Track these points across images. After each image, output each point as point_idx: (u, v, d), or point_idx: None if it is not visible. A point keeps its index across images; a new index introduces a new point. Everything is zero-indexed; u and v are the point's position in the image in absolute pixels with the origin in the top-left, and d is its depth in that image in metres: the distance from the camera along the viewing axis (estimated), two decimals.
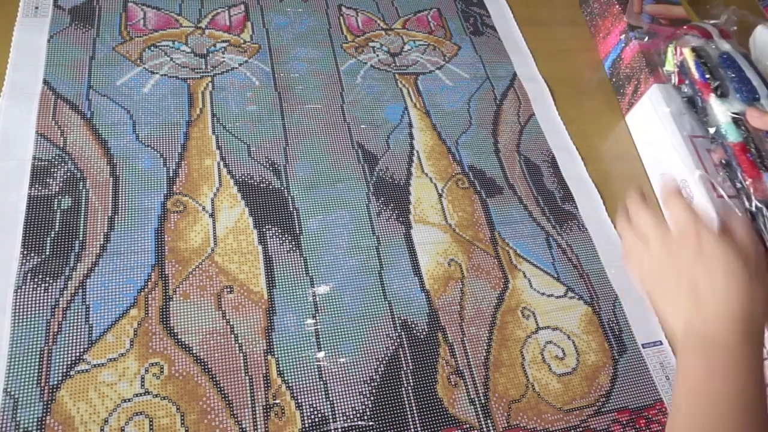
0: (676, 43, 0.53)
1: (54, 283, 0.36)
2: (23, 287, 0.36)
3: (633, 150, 0.55)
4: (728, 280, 0.32)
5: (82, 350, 0.34)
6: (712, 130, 0.49)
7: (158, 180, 0.42)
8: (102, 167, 0.42)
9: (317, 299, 0.40)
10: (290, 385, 0.36)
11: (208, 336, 0.37)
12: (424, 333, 0.40)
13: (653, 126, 0.52)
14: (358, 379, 0.37)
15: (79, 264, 0.37)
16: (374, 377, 0.37)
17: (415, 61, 0.56)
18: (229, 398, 0.35)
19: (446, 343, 0.40)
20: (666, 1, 0.60)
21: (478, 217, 0.46)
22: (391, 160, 0.48)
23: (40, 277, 0.36)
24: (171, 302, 0.37)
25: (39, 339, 0.34)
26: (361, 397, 0.36)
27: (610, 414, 0.39)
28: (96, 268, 0.37)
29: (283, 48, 0.53)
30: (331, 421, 0.35)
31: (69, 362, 0.34)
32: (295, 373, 0.36)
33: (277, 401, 0.35)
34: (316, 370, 0.37)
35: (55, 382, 0.33)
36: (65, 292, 0.36)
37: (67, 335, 0.35)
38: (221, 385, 0.35)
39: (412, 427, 0.36)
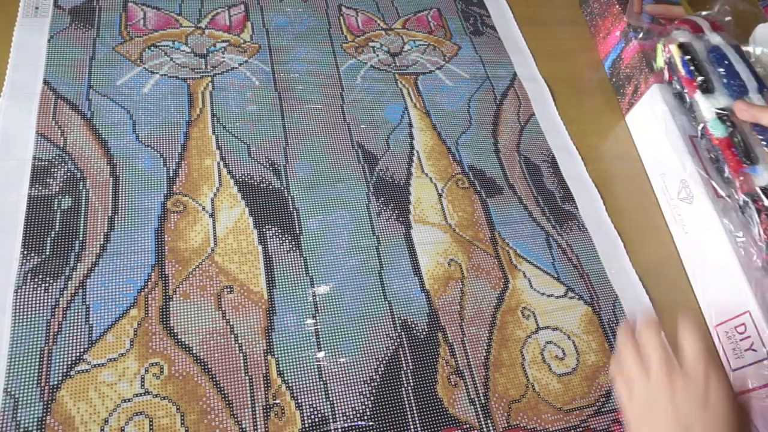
0: (664, 39, 0.53)
1: (54, 283, 0.36)
2: (23, 287, 0.36)
3: (633, 150, 0.55)
4: None
5: (82, 350, 0.34)
6: (699, 127, 0.50)
7: (158, 180, 0.42)
8: (102, 167, 0.42)
9: (317, 299, 0.40)
10: (290, 385, 0.36)
11: (208, 336, 0.37)
12: (424, 333, 0.40)
13: (653, 126, 0.52)
14: (358, 379, 0.37)
15: (79, 264, 0.37)
16: (374, 377, 0.37)
17: (415, 61, 0.56)
18: (229, 398, 0.35)
19: (446, 343, 0.40)
20: (666, 1, 0.60)
21: (478, 217, 0.46)
22: (391, 160, 0.48)
23: (40, 277, 0.36)
24: (171, 302, 0.37)
25: (39, 339, 0.34)
26: (361, 397, 0.36)
27: (610, 414, 0.39)
28: (96, 268, 0.37)
29: (283, 48, 0.53)
30: (331, 421, 0.35)
31: (69, 362, 0.34)
32: (295, 373, 0.36)
33: (277, 401, 0.35)
34: (316, 370, 0.37)
35: (55, 382, 0.33)
36: (65, 292, 0.36)
37: (67, 335, 0.35)
38: (221, 385, 0.35)
39: (412, 427, 0.36)
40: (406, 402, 0.37)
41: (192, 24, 0.52)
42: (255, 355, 0.37)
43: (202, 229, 0.41)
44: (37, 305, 0.35)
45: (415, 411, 0.37)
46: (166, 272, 0.38)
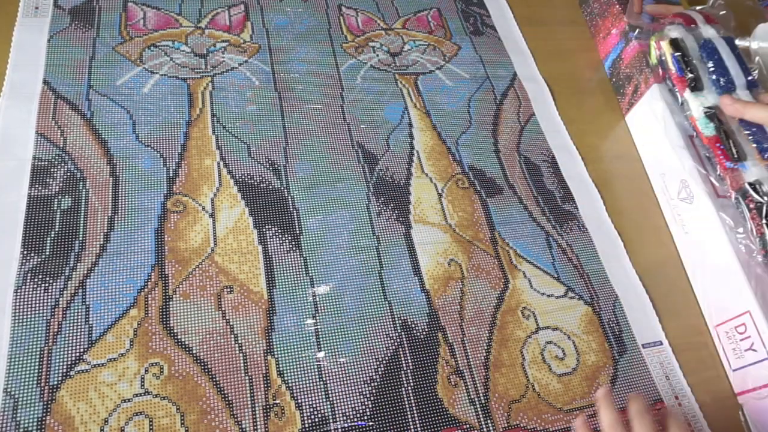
0: (657, 36, 0.53)
1: (54, 283, 0.36)
2: (23, 287, 0.36)
3: (633, 150, 0.55)
4: None
5: (82, 350, 0.34)
6: (690, 126, 0.50)
7: (158, 180, 0.42)
8: (102, 167, 0.42)
9: (317, 299, 0.40)
10: (290, 385, 0.36)
11: (208, 336, 0.37)
12: (424, 333, 0.40)
13: (653, 126, 0.52)
14: (358, 379, 0.37)
15: (79, 264, 0.37)
16: (374, 377, 0.37)
17: (415, 61, 0.56)
18: (229, 398, 0.35)
19: (446, 343, 0.40)
20: (666, 1, 0.60)
21: (478, 217, 0.46)
22: (391, 160, 0.48)
23: (40, 277, 0.36)
24: (171, 302, 0.37)
25: (39, 339, 0.34)
26: (361, 397, 0.36)
27: None
28: (96, 268, 0.37)
29: (283, 48, 0.53)
30: (331, 421, 0.35)
31: (69, 362, 0.34)
32: (295, 373, 0.36)
33: (277, 401, 0.35)
34: (316, 370, 0.37)
35: (55, 382, 0.33)
36: (65, 292, 0.36)
37: (67, 335, 0.35)
38: (221, 385, 0.35)
39: (412, 427, 0.36)
40: (406, 402, 0.37)
41: (192, 24, 0.52)
42: (255, 355, 0.37)
43: (202, 229, 0.41)
44: (37, 305, 0.35)
45: (415, 411, 0.37)
46: (166, 272, 0.38)
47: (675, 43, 0.51)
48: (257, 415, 0.35)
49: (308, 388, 0.36)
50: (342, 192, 0.45)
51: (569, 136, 0.54)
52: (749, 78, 0.49)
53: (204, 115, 0.46)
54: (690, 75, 0.49)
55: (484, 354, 0.40)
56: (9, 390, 0.32)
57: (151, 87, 0.47)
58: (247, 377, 0.36)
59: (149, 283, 0.38)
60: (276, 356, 0.37)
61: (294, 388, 0.36)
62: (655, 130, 0.52)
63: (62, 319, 0.35)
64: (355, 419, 0.36)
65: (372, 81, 0.53)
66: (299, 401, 0.35)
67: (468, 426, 0.37)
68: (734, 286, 0.43)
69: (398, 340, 0.39)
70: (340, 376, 0.37)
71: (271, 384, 0.36)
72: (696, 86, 0.49)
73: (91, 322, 0.35)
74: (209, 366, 0.36)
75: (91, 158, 0.42)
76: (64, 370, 0.34)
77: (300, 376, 0.36)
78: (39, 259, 0.37)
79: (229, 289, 0.39)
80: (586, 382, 0.40)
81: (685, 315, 0.46)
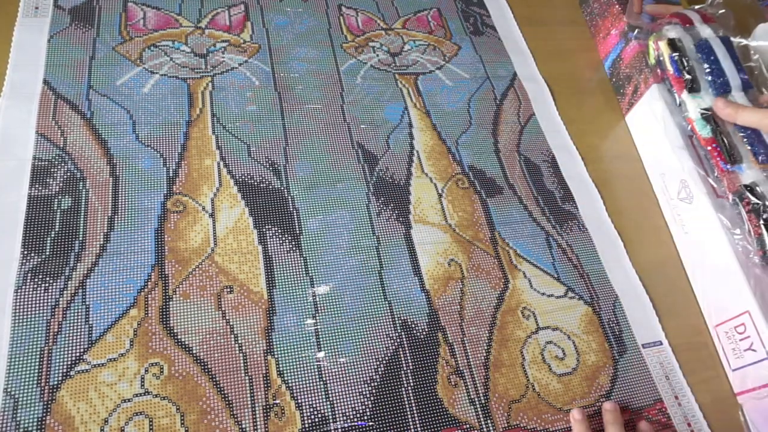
0: (655, 36, 0.53)
1: (54, 283, 0.36)
2: (23, 287, 0.36)
3: (633, 150, 0.55)
4: None
5: (82, 350, 0.34)
6: (688, 127, 0.50)
7: (158, 180, 0.42)
8: (102, 167, 0.42)
9: (317, 299, 0.40)
10: (290, 385, 0.36)
11: (208, 336, 0.37)
12: (424, 333, 0.40)
13: (653, 126, 0.52)
14: (358, 379, 0.37)
15: (79, 264, 0.37)
16: (374, 377, 0.37)
17: (415, 61, 0.56)
18: (229, 398, 0.35)
19: (446, 343, 0.40)
20: (666, 1, 0.60)
21: (478, 217, 0.46)
22: (391, 160, 0.48)
23: (40, 277, 0.36)
24: (171, 302, 0.37)
25: (39, 339, 0.34)
26: (361, 397, 0.36)
27: None
28: (96, 268, 0.37)
29: (283, 48, 0.53)
30: (331, 421, 0.35)
31: (69, 362, 0.34)
32: (295, 373, 0.36)
33: (277, 401, 0.35)
34: (316, 370, 0.37)
35: (55, 382, 0.33)
36: (65, 292, 0.36)
37: (67, 335, 0.35)
38: (221, 385, 0.35)
39: (412, 427, 0.36)
40: (406, 402, 0.37)
41: (192, 24, 0.52)
42: (255, 355, 0.37)
43: (202, 229, 0.41)
44: (37, 305, 0.35)
45: (415, 411, 0.37)
46: (166, 272, 0.38)
47: (672, 44, 0.51)
48: (257, 415, 0.35)
49: (308, 388, 0.36)
50: (342, 192, 0.45)
51: (569, 136, 0.54)
52: (746, 82, 0.49)
53: (204, 115, 0.46)
54: (687, 76, 0.49)
55: (484, 354, 0.40)
56: (9, 390, 0.32)
57: (151, 87, 0.47)
58: (247, 377, 0.36)
59: (149, 283, 0.38)
60: (276, 356, 0.37)
61: (294, 388, 0.36)
62: (655, 130, 0.52)
63: (62, 319, 0.35)
64: (355, 419, 0.36)
65: (372, 81, 0.53)
66: (299, 401, 0.35)
67: (468, 426, 0.37)
68: (734, 286, 0.43)
69: (398, 340, 0.39)
70: (340, 376, 0.37)
71: (271, 384, 0.36)
72: (693, 87, 0.49)
73: (91, 322, 0.35)
74: (209, 366, 0.36)
75: (91, 158, 0.42)
76: (64, 370, 0.34)
77: (300, 376, 0.36)
78: (39, 259, 0.37)
79: (229, 289, 0.39)
80: (586, 382, 0.40)
81: (685, 315, 0.46)
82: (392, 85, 0.53)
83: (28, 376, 0.33)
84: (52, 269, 0.37)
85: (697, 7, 0.55)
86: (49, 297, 0.36)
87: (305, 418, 0.35)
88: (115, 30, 0.49)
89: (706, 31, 0.52)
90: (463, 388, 0.38)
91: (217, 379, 0.35)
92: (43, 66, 0.45)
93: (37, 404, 0.32)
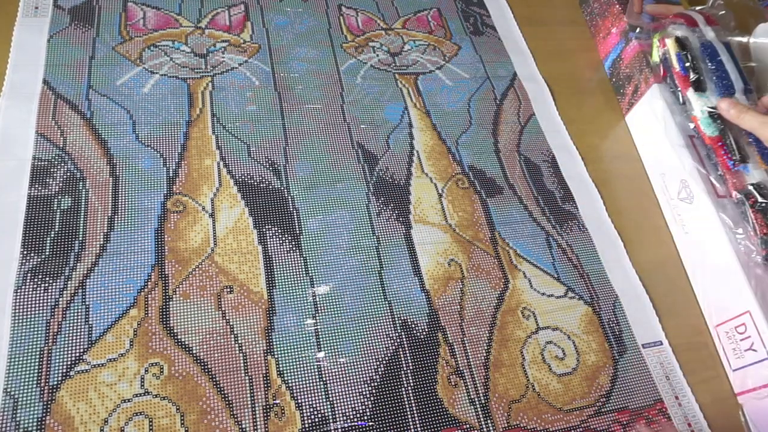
0: (660, 33, 0.53)
1: (54, 283, 0.36)
2: (23, 287, 0.36)
3: (633, 150, 0.55)
4: None
5: (81, 350, 0.34)
6: (692, 126, 0.50)
7: (158, 180, 0.42)
8: (102, 167, 0.42)
9: (317, 299, 0.40)
10: (290, 385, 0.36)
11: (208, 336, 0.37)
12: (424, 333, 0.40)
13: (653, 126, 0.52)
14: (358, 379, 0.37)
15: (79, 264, 0.37)
16: (374, 377, 0.37)
17: (415, 61, 0.56)
18: (229, 398, 0.35)
19: (446, 343, 0.40)
20: (666, 1, 0.60)
21: (478, 217, 0.46)
22: (391, 160, 0.48)
23: (40, 277, 0.36)
24: (171, 302, 0.37)
25: (39, 339, 0.34)
26: (361, 397, 0.36)
27: (610, 414, 0.39)
28: (96, 268, 0.37)
29: (283, 48, 0.53)
30: (331, 421, 0.35)
31: (69, 362, 0.34)
32: (295, 373, 0.36)
33: (277, 401, 0.35)
34: (316, 370, 0.37)
35: (55, 383, 0.33)
36: (65, 292, 0.36)
37: (67, 335, 0.35)
38: (221, 385, 0.35)
39: (412, 427, 0.36)
40: (406, 402, 0.37)
41: (192, 24, 0.52)
42: (255, 355, 0.37)
43: (202, 229, 0.41)
44: (37, 305, 0.35)
45: (415, 411, 0.37)
46: (166, 272, 0.38)
47: (680, 42, 0.51)
48: (257, 415, 0.35)
49: (308, 388, 0.36)
50: (342, 192, 0.45)
51: (569, 136, 0.54)
52: (747, 86, 0.49)
53: (204, 115, 0.46)
54: (694, 75, 0.49)
55: (484, 354, 0.40)
56: (9, 390, 0.32)
57: (151, 87, 0.47)
58: (247, 377, 0.36)
59: (149, 283, 0.38)
60: (276, 356, 0.37)
61: (294, 388, 0.36)
62: (655, 130, 0.52)
63: (62, 319, 0.35)
64: (355, 419, 0.36)
65: (372, 81, 0.53)
66: (299, 401, 0.35)
67: (468, 426, 0.37)
68: (734, 286, 0.43)
69: (398, 340, 0.39)
70: (340, 376, 0.37)
71: (271, 384, 0.36)
72: (699, 86, 0.49)
73: (91, 322, 0.35)
74: (209, 366, 0.36)
75: (91, 158, 0.42)
76: (64, 370, 0.34)
77: (300, 376, 0.36)
78: (39, 259, 0.37)
79: (229, 289, 0.39)
80: (586, 382, 0.40)
81: (685, 315, 0.46)
82: (392, 85, 0.53)
83: (27, 376, 0.33)
84: (51, 269, 0.37)
85: (698, 8, 0.55)
86: (49, 297, 0.36)
87: (305, 418, 0.35)
88: (115, 30, 0.49)
89: (710, 34, 0.52)
90: (463, 388, 0.38)
91: (217, 379, 0.35)
92: (43, 66, 0.45)
93: (36, 404, 0.32)
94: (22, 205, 0.38)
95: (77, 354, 0.34)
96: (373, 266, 0.42)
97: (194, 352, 0.36)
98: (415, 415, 0.36)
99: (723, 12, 0.54)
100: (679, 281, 0.48)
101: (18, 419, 0.32)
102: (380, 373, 0.38)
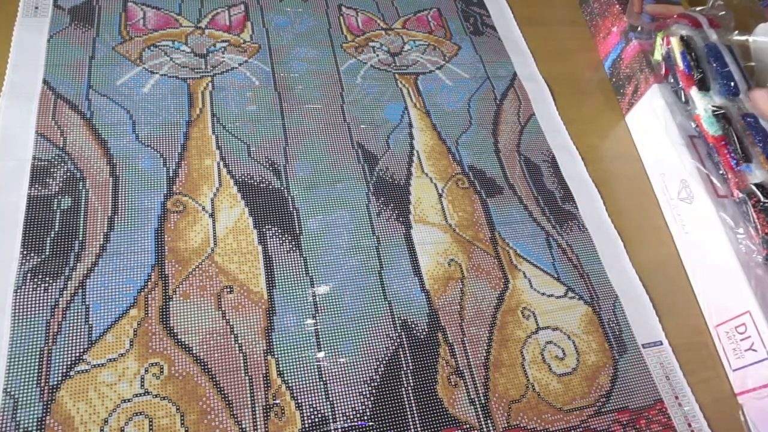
0: (664, 32, 0.53)
1: (54, 283, 0.36)
2: (23, 287, 0.36)
3: (633, 150, 0.55)
4: None
5: (81, 350, 0.34)
6: (694, 125, 0.50)
7: (158, 180, 0.42)
8: (102, 167, 0.42)
9: (317, 299, 0.40)
10: (290, 385, 0.36)
11: (208, 336, 0.37)
12: (424, 333, 0.40)
13: (653, 126, 0.52)
14: (358, 379, 0.37)
15: (79, 264, 0.37)
16: (374, 377, 0.37)
17: (415, 61, 0.56)
18: (229, 398, 0.35)
19: (446, 343, 0.40)
20: (666, 1, 0.60)
21: (478, 217, 0.46)
22: (391, 160, 0.48)
23: (40, 277, 0.36)
24: (171, 302, 0.37)
25: (39, 339, 0.34)
26: (361, 397, 0.36)
27: (610, 414, 0.39)
28: (96, 268, 0.37)
29: (283, 48, 0.53)
30: (331, 421, 0.35)
31: (69, 362, 0.34)
32: (295, 373, 0.36)
33: (277, 401, 0.35)
34: (316, 370, 0.37)
35: (55, 383, 0.33)
36: (65, 292, 0.36)
37: (67, 335, 0.35)
38: (221, 385, 0.35)
39: (412, 427, 0.36)
40: (406, 402, 0.37)
41: (192, 24, 0.52)
42: (255, 355, 0.37)
43: (202, 229, 0.41)
44: (37, 305, 0.35)
45: (415, 411, 0.37)
46: (166, 272, 0.38)
47: (684, 40, 0.51)
48: (257, 415, 0.35)
49: (308, 388, 0.36)
50: (342, 192, 0.45)
51: (569, 136, 0.54)
52: (750, 84, 0.49)
53: (204, 115, 0.46)
54: (699, 74, 0.49)
55: (484, 354, 0.40)
56: (9, 390, 0.32)
57: (151, 87, 0.47)
58: (247, 377, 0.36)
59: (149, 283, 0.38)
60: (276, 356, 0.37)
61: (294, 388, 0.36)
62: (655, 129, 0.52)
63: (62, 319, 0.35)
64: (355, 419, 0.36)
65: (372, 81, 0.53)
66: (299, 401, 0.35)
67: (468, 426, 0.37)
68: (734, 286, 0.43)
69: (398, 340, 0.39)
70: (340, 376, 0.37)
71: (271, 384, 0.36)
72: (703, 85, 0.49)
73: (91, 322, 0.35)
74: (209, 366, 0.36)
75: (91, 158, 0.42)
76: (64, 370, 0.34)
77: (300, 376, 0.36)
78: (39, 259, 0.37)
79: (229, 289, 0.39)
80: (586, 382, 0.40)
81: (685, 315, 0.46)
82: (392, 85, 0.53)
83: (27, 376, 0.33)
84: (51, 269, 0.37)
85: (698, 8, 0.56)
86: (49, 297, 0.36)
87: (305, 418, 0.35)
88: (115, 30, 0.49)
89: (713, 36, 0.52)
90: (463, 388, 0.38)
91: (217, 379, 0.35)
92: (43, 66, 0.45)
93: (36, 404, 0.32)
94: (22, 205, 0.38)
95: (77, 354, 0.34)
96: (373, 266, 0.42)
97: (194, 352, 0.36)
98: (415, 415, 0.36)
99: (723, 12, 0.55)
100: (679, 281, 0.48)
101: (18, 419, 0.32)
102: (380, 373, 0.38)
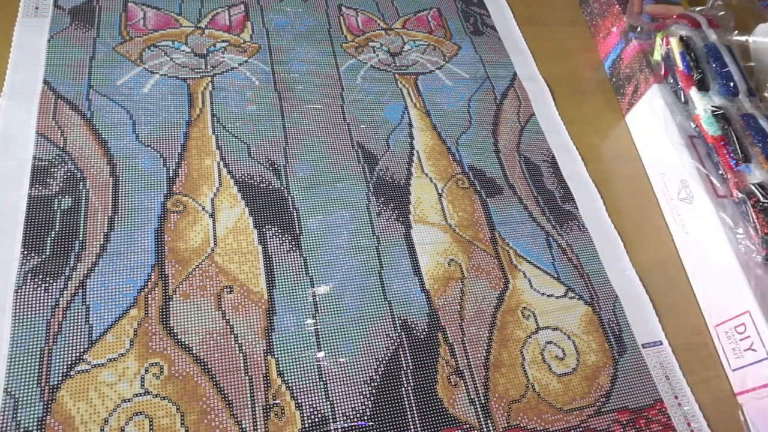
0: (664, 32, 0.53)
1: (54, 283, 0.36)
2: (23, 287, 0.36)
3: (633, 150, 0.55)
4: None
5: (82, 350, 0.34)
6: (693, 125, 0.50)
7: (158, 180, 0.42)
8: (102, 167, 0.42)
9: (317, 299, 0.40)
10: (290, 385, 0.36)
11: (208, 336, 0.37)
12: (424, 333, 0.40)
13: (653, 126, 0.52)
14: (358, 379, 0.37)
15: (79, 264, 0.37)
16: (374, 377, 0.37)
17: (415, 61, 0.56)
18: (229, 398, 0.35)
19: (446, 343, 0.40)
20: (666, 1, 0.60)
21: (478, 217, 0.46)
22: (391, 160, 0.48)
23: (40, 277, 0.36)
24: (171, 302, 0.37)
25: (39, 339, 0.34)
26: (361, 397, 0.36)
27: (610, 414, 0.39)
28: (96, 268, 0.37)
29: (283, 48, 0.53)
30: (331, 421, 0.35)
31: (69, 362, 0.34)
32: (295, 373, 0.36)
33: (277, 401, 0.35)
34: (316, 370, 0.37)
35: (56, 382, 0.33)
36: (65, 292, 0.36)
37: (67, 335, 0.35)
38: (221, 385, 0.35)
39: (412, 427, 0.36)
40: (406, 402, 0.37)
41: (192, 24, 0.52)
42: (255, 355, 0.37)
43: (202, 229, 0.41)
44: (37, 305, 0.35)
45: (415, 411, 0.37)
46: (166, 272, 0.38)
47: (684, 41, 0.51)
48: (257, 415, 0.35)
49: (308, 388, 0.36)
50: (342, 192, 0.45)
51: (569, 136, 0.54)
52: (750, 88, 0.49)
53: (204, 115, 0.46)
54: (698, 74, 0.49)
55: (484, 354, 0.40)
56: (9, 390, 0.32)
57: (151, 87, 0.47)
58: (247, 377, 0.36)
59: (149, 283, 0.38)
60: (276, 356, 0.37)
61: (294, 388, 0.36)
62: (655, 129, 0.52)
63: (62, 319, 0.35)
64: (355, 419, 0.36)
65: (372, 81, 0.53)
66: (299, 401, 0.35)
67: (468, 426, 0.37)
68: (734, 286, 0.43)
69: (398, 340, 0.39)
70: (340, 376, 0.37)
71: (271, 384, 0.36)
72: (703, 85, 0.49)
73: (91, 322, 0.35)
74: (209, 366, 0.36)
75: (91, 158, 0.42)
76: (65, 370, 0.34)
77: (300, 376, 0.36)
78: (39, 259, 0.37)
79: (229, 289, 0.39)
80: (586, 382, 0.40)
81: (685, 315, 0.46)
82: (392, 85, 0.53)
83: (28, 376, 0.33)
84: (52, 269, 0.37)
85: (697, 9, 0.56)
86: (49, 297, 0.36)
87: (305, 418, 0.35)
88: (115, 30, 0.49)
89: (712, 36, 0.52)
90: (463, 388, 0.38)
91: (217, 379, 0.35)
92: (43, 66, 0.45)
93: (37, 404, 0.32)
94: (22, 205, 0.38)
95: (77, 354, 0.34)
96: (373, 266, 0.42)
97: (194, 352, 0.36)
98: (415, 415, 0.36)
99: (723, 12, 0.55)
100: (679, 281, 0.48)
101: (18, 419, 0.32)
102: (380, 373, 0.38)
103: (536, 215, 0.48)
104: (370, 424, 0.36)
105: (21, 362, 0.33)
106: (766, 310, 0.41)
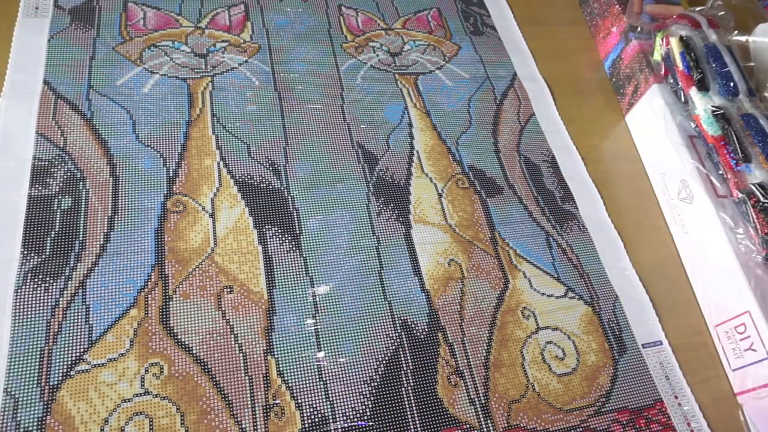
0: (664, 32, 0.53)
1: (54, 283, 0.36)
2: (23, 287, 0.36)
3: (633, 150, 0.55)
4: None
5: (82, 350, 0.34)
6: (693, 125, 0.50)
7: (158, 180, 0.42)
8: (102, 167, 0.42)
9: (317, 299, 0.40)
10: (290, 385, 0.36)
11: (208, 336, 0.37)
12: (424, 333, 0.40)
13: (653, 126, 0.52)
14: (358, 379, 0.37)
15: (79, 264, 0.37)
16: (374, 377, 0.37)
17: (415, 61, 0.56)
18: (229, 398, 0.35)
19: (446, 343, 0.40)
20: (666, 1, 0.60)
21: (478, 217, 0.46)
22: (391, 160, 0.48)
23: (40, 277, 0.36)
24: (171, 302, 0.37)
25: (39, 339, 0.34)
26: (361, 397, 0.36)
27: (610, 414, 0.39)
28: (96, 268, 0.37)
29: (283, 48, 0.53)
30: (331, 421, 0.35)
31: (69, 362, 0.34)
32: (295, 373, 0.36)
33: (277, 401, 0.35)
34: (316, 370, 0.37)
35: (56, 382, 0.33)
36: (65, 292, 0.36)
37: (67, 335, 0.35)
38: (221, 385, 0.35)
39: (412, 427, 0.36)
40: (406, 402, 0.37)
41: (192, 24, 0.52)
42: (255, 355, 0.37)
43: (202, 229, 0.41)
44: (37, 305, 0.35)
45: (415, 411, 0.37)
46: (166, 272, 0.38)
47: (684, 41, 0.51)
48: (257, 415, 0.35)
49: (308, 388, 0.36)
50: (342, 192, 0.45)
51: (569, 136, 0.54)
52: (750, 88, 0.49)
53: (204, 115, 0.46)
54: (698, 74, 0.49)
55: (484, 354, 0.40)
56: (9, 390, 0.32)
57: (151, 87, 0.47)
58: (247, 377, 0.36)
59: (149, 283, 0.38)
60: (276, 356, 0.37)
61: (294, 388, 0.36)
62: (655, 129, 0.52)
63: (62, 319, 0.35)
64: (355, 419, 0.36)
65: (372, 81, 0.53)
66: (299, 401, 0.35)
67: (468, 426, 0.37)
68: (734, 286, 0.43)
69: (398, 340, 0.39)
70: (340, 376, 0.37)
71: (271, 384, 0.36)
72: (703, 85, 0.49)
73: (91, 322, 0.35)
74: (209, 366, 0.36)
75: (91, 158, 0.42)
76: (65, 370, 0.34)
77: (300, 376, 0.36)
78: (39, 259, 0.37)
79: (229, 289, 0.39)
80: (586, 382, 0.40)
81: (685, 315, 0.46)
82: (392, 85, 0.53)
83: (28, 376, 0.33)
84: (52, 269, 0.37)
85: (698, 9, 0.56)
86: (49, 297, 0.36)
87: (305, 418, 0.35)
88: (115, 30, 0.49)
89: (712, 36, 0.52)
90: (463, 388, 0.38)
91: (217, 379, 0.35)
92: (43, 66, 0.45)
93: (37, 404, 0.32)
94: (22, 205, 0.38)
95: (77, 354, 0.34)
96: (373, 266, 0.42)
97: (194, 352, 0.36)
98: (415, 415, 0.36)
99: (722, 12, 0.55)
100: (679, 281, 0.48)
101: (18, 419, 0.32)
102: (380, 373, 0.38)
103: (536, 215, 0.48)
104: (370, 424, 0.36)
105: (21, 362, 0.33)
106: (766, 310, 0.41)
